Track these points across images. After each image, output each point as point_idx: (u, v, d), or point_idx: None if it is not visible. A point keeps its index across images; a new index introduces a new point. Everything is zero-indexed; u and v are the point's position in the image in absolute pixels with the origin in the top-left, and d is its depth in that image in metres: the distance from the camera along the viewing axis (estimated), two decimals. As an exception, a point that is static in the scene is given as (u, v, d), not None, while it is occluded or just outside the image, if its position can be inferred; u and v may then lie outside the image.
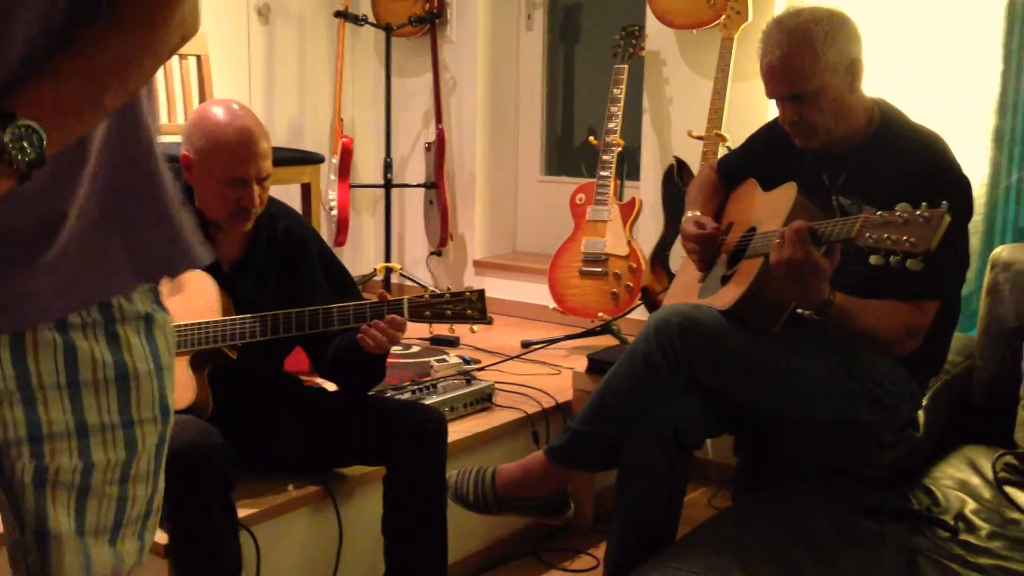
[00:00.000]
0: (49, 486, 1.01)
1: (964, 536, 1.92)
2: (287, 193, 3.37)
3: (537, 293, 3.84)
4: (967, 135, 2.87)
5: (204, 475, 1.89)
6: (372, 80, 4.46)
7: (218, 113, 2.10)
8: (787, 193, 2.16)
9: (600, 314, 3.44)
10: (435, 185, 4.18)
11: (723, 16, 3.21)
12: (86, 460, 1.02)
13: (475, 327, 2.19)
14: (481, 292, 2.12)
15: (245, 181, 2.08)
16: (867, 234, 1.83)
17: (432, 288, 2.80)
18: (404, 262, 4.42)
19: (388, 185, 4.13)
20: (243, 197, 2.09)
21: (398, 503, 2.18)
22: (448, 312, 2.12)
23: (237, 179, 2.07)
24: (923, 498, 2.07)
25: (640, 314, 3.32)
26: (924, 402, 2.25)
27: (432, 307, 2.12)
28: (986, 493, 2.11)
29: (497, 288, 4.07)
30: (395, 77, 4.17)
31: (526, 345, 3.48)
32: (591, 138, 3.67)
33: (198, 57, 3.45)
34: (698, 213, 2.40)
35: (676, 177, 3.18)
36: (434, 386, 2.76)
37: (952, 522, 1.96)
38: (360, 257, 4.51)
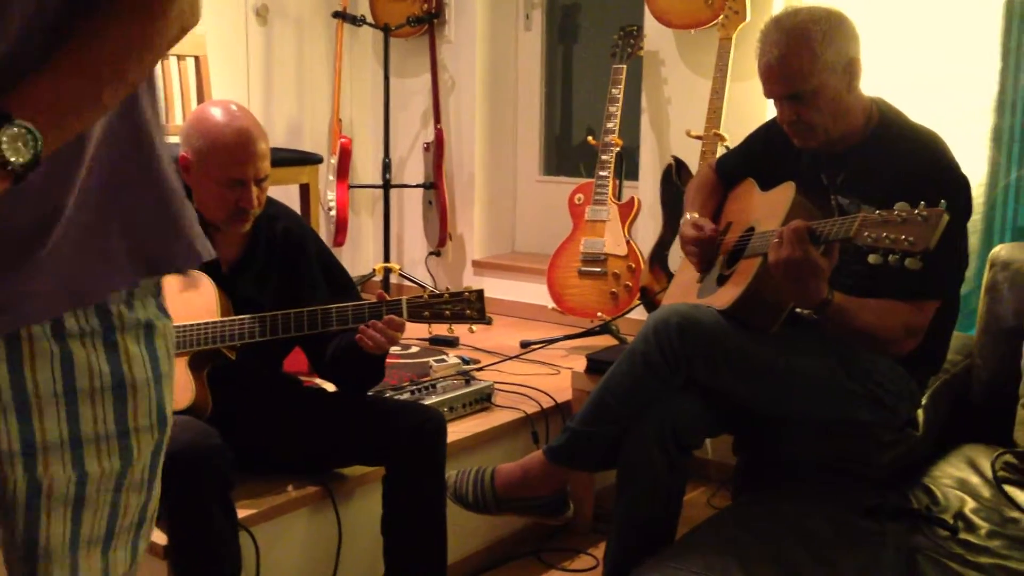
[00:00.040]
0: (44, 500, 1.00)
1: (964, 535, 1.92)
2: (286, 194, 3.37)
3: (536, 293, 3.84)
4: (966, 134, 2.87)
5: (203, 476, 1.89)
6: (370, 80, 4.46)
7: (216, 114, 2.10)
8: (785, 193, 2.16)
9: (599, 314, 3.44)
10: (434, 185, 4.18)
11: (721, 16, 3.21)
12: (80, 471, 1.00)
13: (474, 327, 2.19)
14: (480, 292, 2.12)
15: (243, 182, 2.08)
16: (865, 233, 1.83)
17: (431, 288, 2.80)
18: (403, 262, 4.42)
19: (387, 185, 4.13)
20: (241, 198, 2.08)
21: (397, 503, 2.18)
22: (447, 312, 2.12)
23: (235, 180, 2.07)
24: (923, 497, 2.07)
25: (639, 314, 3.32)
26: (923, 401, 2.25)
27: (431, 307, 2.12)
28: (985, 492, 2.11)
29: (496, 288, 4.07)
30: (393, 77, 4.16)
31: (525, 345, 3.48)
32: (590, 138, 3.67)
33: (196, 58, 3.45)
34: (696, 215, 2.40)
35: (675, 177, 3.18)
36: (433, 386, 2.76)
37: (952, 521, 1.96)
38: (359, 257, 4.51)
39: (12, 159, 0.83)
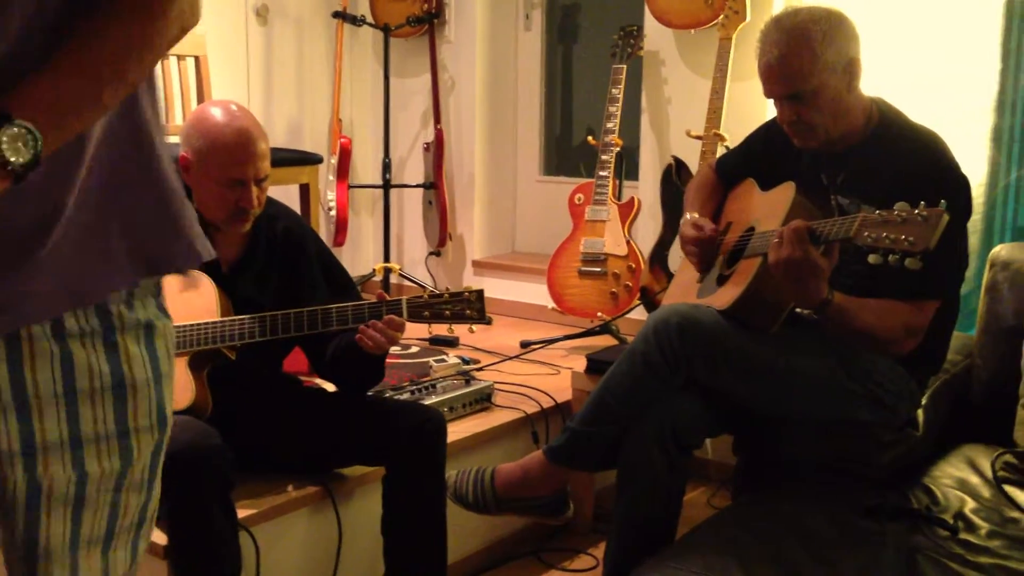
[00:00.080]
0: (44, 500, 1.00)
1: (964, 535, 1.92)
2: (286, 194, 3.37)
3: (536, 293, 3.84)
4: (966, 134, 2.87)
5: (203, 476, 1.89)
6: (370, 80, 4.46)
7: (216, 114, 2.10)
8: (785, 193, 2.16)
9: (599, 314, 3.44)
10: (434, 185, 4.18)
11: (721, 16, 3.21)
12: (80, 471, 1.00)
13: (474, 327, 2.19)
14: (480, 292, 2.12)
15: (243, 182, 2.08)
16: (865, 233, 1.83)
17: (431, 288, 2.80)
18: (403, 262, 4.42)
19: (387, 185, 4.13)
20: (241, 198, 2.09)
21: (397, 503, 2.18)
22: (447, 312, 2.12)
23: (235, 180, 2.07)
24: (923, 497, 2.07)
25: (639, 314, 3.32)
26: (923, 401, 2.25)
27: (431, 307, 2.12)
28: (985, 492, 2.11)
29: (496, 288, 4.07)
30: (393, 77, 4.16)
31: (525, 345, 3.48)
32: (589, 138, 3.67)
33: (196, 58, 3.45)
34: (696, 215, 2.40)
35: (674, 177, 3.18)
36: (433, 386, 2.76)
37: (952, 521, 1.96)
38: (359, 257, 4.51)
39: (12, 159, 0.83)
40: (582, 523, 2.86)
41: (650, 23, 3.51)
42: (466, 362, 3.15)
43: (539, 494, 2.24)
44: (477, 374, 3.05)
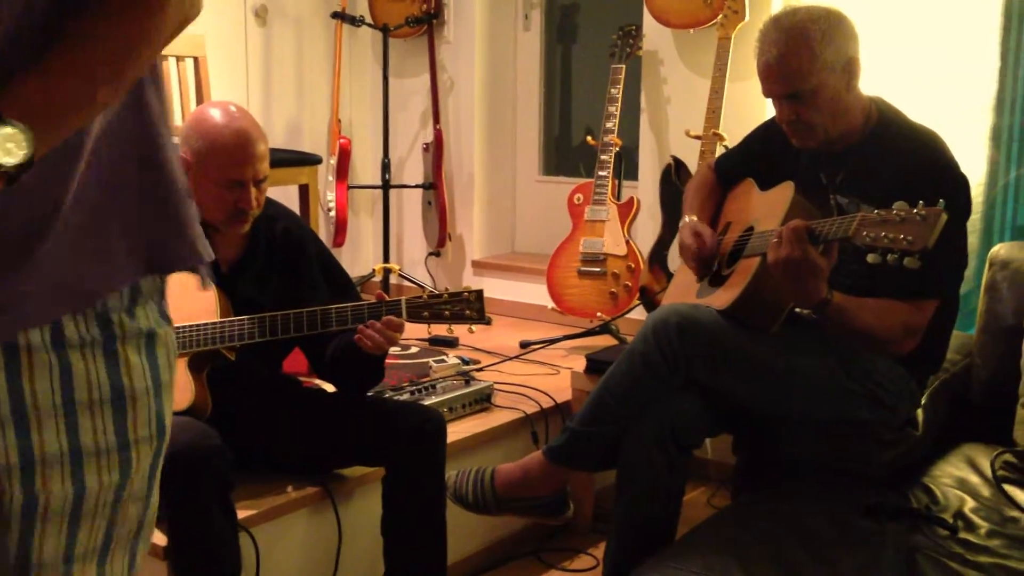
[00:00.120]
0: (40, 516, 0.97)
1: (963, 534, 1.92)
2: (285, 194, 3.37)
3: (536, 293, 3.84)
4: (965, 133, 2.87)
5: (203, 477, 1.89)
6: (370, 81, 4.46)
7: (215, 115, 2.10)
8: (784, 192, 2.16)
9: (598, 314, 3.44)
10: (433, 186, 4.18)
11: (720, 15, 3.21)
12: (79, 486, 0.98)
13: (473, 327, 2.19)
14: (479, 292, 2.12)
15: (242, 183, 2.08)
16: (864, 232, 1.83)
17: (430, 289, 2.80)
18: (403, 263, 4.42)
19: (386, 186, 4.13)
20: (240, 199, 2.09)
21: (397, 504, 2.18)
22: (446, 312, 2.12)
23: (234, 181, 2.07)
24: (922, 497, 2.07)
25: (638, 314, 3.32)
26: (923, 401, 2.25)
27: (430, 308, 2.12)
28: (985, 491, 2.11)
29: (496, 288, 4.07)
30: (393, 78, 4.16)
31: (525, 345, 3.48)
32: (589, 138, 3.67)
33: (195, 59, 3.45)
34: (695, 218, 2.40)
35: (674, 176, 3.18)
36: (433, 387, 2.76)
37: (951, 520, 1.96)
38: (359, 258, 4.51)
39: (3, 160, 0.81)
40: (582, 523, 2.86)
41: (649, 23, 3.51)
42: (466, 362, 3.15)
43: (539, 494, 2.24)
44: (477, 374, 3.05)
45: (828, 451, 2.19)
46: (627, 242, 3.42)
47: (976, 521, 1.98)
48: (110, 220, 0.97)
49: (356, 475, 2.33)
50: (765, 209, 2.22)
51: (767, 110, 2.52)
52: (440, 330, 2.86)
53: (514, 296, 4.07)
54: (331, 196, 4.05)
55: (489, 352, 3.42)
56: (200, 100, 3.45)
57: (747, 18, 3.17)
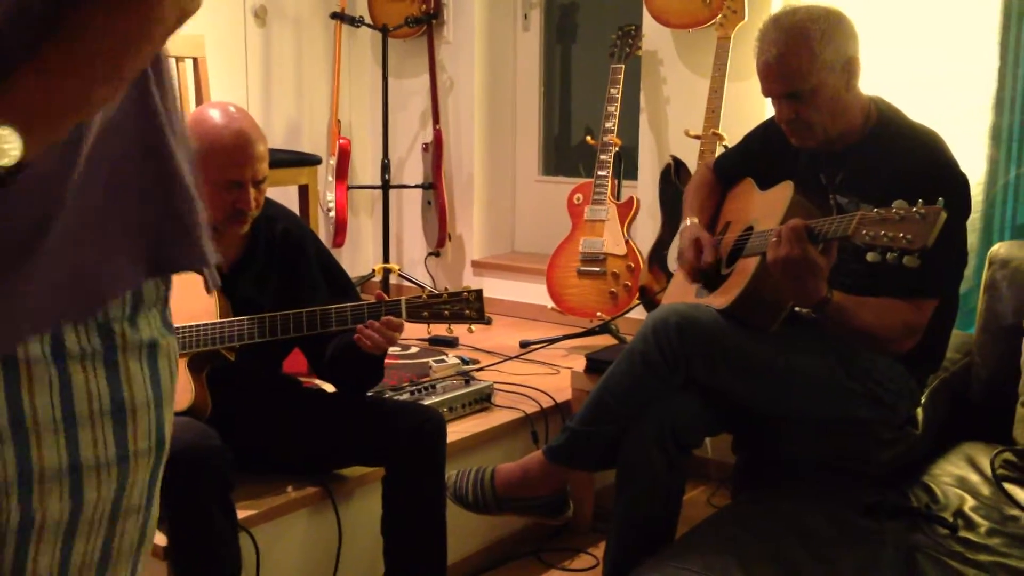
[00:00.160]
0: (35, 533, 0.95)
1: (963, 533, 1.92)
2: (285, 195, 3.37)
3: (535, 293, 3.84)
4: (964, 132, 2.87)
5: (203, 477, 1.89)
6: (369, 81, 4.46)
7: (214, 116, 2.10)
8: (784, 192, 2.16)
9: (598, 314, 3.44)
10: (433, 186, 4.18)
11: (719, 15, 3.21)
12: (76, 500, 0.96)
13: (473, 327, 2.19)
14: (479, 292, 2.12)
15: (241, 184, 2.08)
16: (864, 231, 1.83)
17: (430, 288, 2.80)
18: (402, 263, 4.42)
19: (386, 186, 4.13)
20: (238, 200, 2.08)
21: (397, 504, 2.18)
22: (446, 312, 2.12)
23: (232, 182, 2.07)
24: (922, 495, 2.07)
25: (638, 313, 3.32)
26: (923, 399, 2.25)
27: (430, 307, 2.12)
28: (985, 490, 2.11)
29: (496, 288, 4.07)
30: (392, 78, 4.16)
31: (525, 345, 3.48)
32: (588, 138, 3.67)
33: (195, 59, 3.45)
34: (696, 220, 2.39)
35: (673, 176, 3.18)
36: (433, 387, 2.76)
37: (951, 519, 1.96)
38: (358, 258, 4.51)
39: None
40: (582, 523, 2.86)
41: (648, 23, 3.51)
42: (466, 362, 3.15)
43: (539, 494, 2.24)
44: (477, 374, 3.05)
45: (828, 450, 2.19)
46: (627, 242, 3.42)
47: (976, 520, 1.98)
48: (111, 220, 0.95)
49: (356, 475, 2.33)
50: (764, 209, 2.22)
51: (766, 110, 2.53)
52: (440, 330, 2.85)
53: (514, 296, 4.07)
54: (331, 196, 4.05)
55: (489, 352, 3.42)
56: (199, 101, 3.45)
57: (746, 18, 3.17)
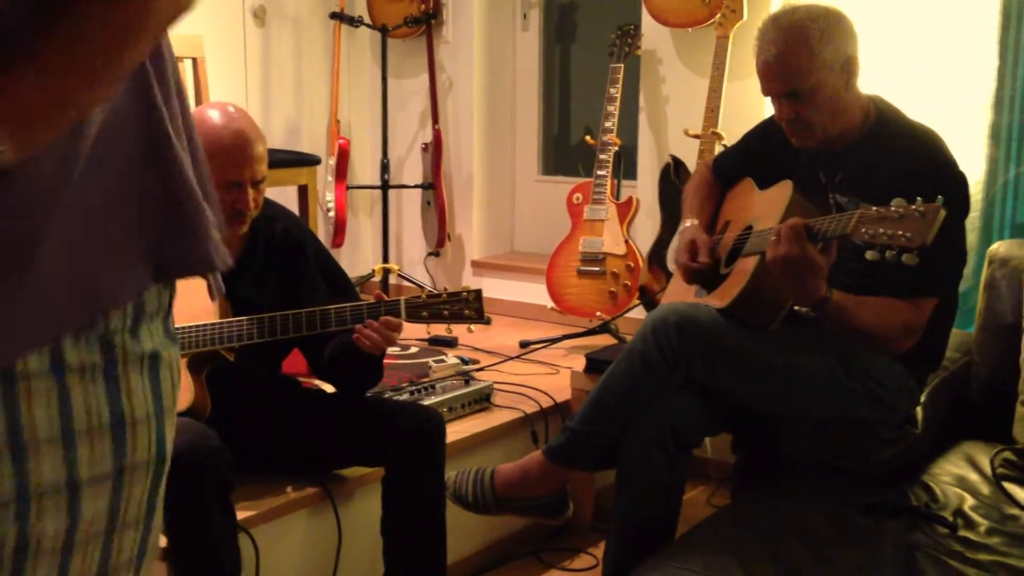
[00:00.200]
0: (32, 552, 0.93)
1: (963, 532, 1.92)
2: (284, 195, 3.37)
3: (535, 293, 3.84)
4: (963, 132, 2.87)
5: (202, 477, 1.89)
6: (368, 81, 4.46)
7: (214, 116, 2.09)
8: (783, 191, 2.16)
9: (598, 313, 3.44)
10: (432, 186, 4.18)
11: (718, 15, 3.21)
12: (74, 516, 0.94)
13: (472, 327, 2.18)
14: (478, 292, 2.12)
15: (240, 184, 2.08)
16: (863, 230, 1.83)
17: (429, 288, 2.80)
18: (402, 263, 4.42)
19: (385, 186, 4.13)
20: (237, 200, 2.08)
21: (397, 504, 2.18)
22: (445, 312, 2.11)
23: (231, 182, 2.07)
24: (922, 494, 2.07)
25: (638, 313, 3.32)
26: (922, 399, 2.25)
27: (429, 307, 2.12)
28: (984, 489, 2.11)
29: (495, 288, 4.07)
30: (391, 78, 4.16)
31: (524, 345, 3.48)
32: (588, 137, 3.67)
33: (194, 60, 3.45)
34: (695, 222, 2.39)
35: (673, 176, 3.18)
36: (432, 387, 2.76)
37: (951, 518, 1.96)
38: (358, 258, 4.51)
39: None
40: (582, 523, 2.86)
41: (647, 22, 3.51)
42: (465, 362, 3.15)
43: (539, 494, 2.24)
44: (476, 374, 3.05)
45: (827, 449, 2.19)
46: (626, 241, 3.42)
47: (976, 519, 1.98)
48: (112, 222, 0.93)
49: (356, 475, 2.33)
50: (764, 208, 2.22)
51: (766, 109, 2.53)
52: (439, 330, 2.85)
53: (514, 296, 4.07)
54: (330, 196, 4.05)
55: (489, 352, 3.42)
56: (199, 101, 3.45)
57: (745, 17, 3.17)
